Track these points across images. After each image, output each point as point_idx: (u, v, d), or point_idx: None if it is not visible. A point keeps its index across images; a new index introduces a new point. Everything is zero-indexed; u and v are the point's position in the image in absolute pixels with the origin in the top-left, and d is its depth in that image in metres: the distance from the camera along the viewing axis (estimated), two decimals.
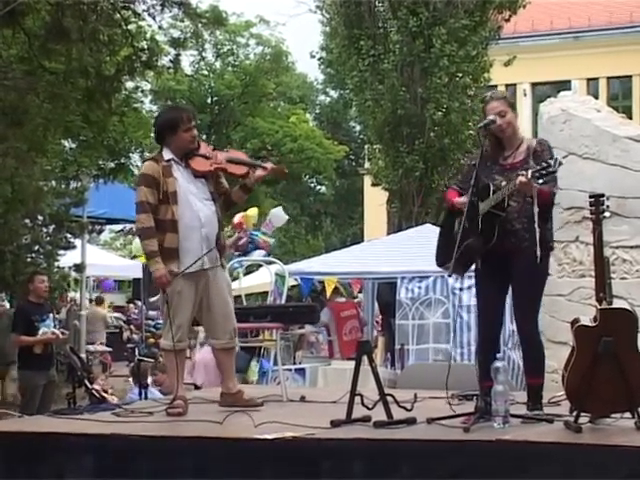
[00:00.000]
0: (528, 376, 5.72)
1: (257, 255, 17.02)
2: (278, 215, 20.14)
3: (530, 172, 5.52)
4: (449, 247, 5.81)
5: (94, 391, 11.73)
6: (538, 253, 5.61)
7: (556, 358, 7.87)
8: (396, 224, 20.51)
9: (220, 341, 6.53)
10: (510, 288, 5.83)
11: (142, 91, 18.71)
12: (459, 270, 5.87)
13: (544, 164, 5.52)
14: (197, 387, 10.55)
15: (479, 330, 6.08)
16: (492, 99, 5.96)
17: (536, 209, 5.63)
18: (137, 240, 22.80)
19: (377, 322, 15.86)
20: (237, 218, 18.54)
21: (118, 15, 13.00)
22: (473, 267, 5.88)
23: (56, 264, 15.69)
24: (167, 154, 6.45)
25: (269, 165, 6.65)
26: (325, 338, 14.73)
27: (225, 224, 8.29)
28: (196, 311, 6.47)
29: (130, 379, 13.00)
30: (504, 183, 5.72)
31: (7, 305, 17.05)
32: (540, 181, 5.49)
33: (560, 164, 5.51)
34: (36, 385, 11.01)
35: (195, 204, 6.38)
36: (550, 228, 5.88)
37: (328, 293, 16.07)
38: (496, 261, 5.75)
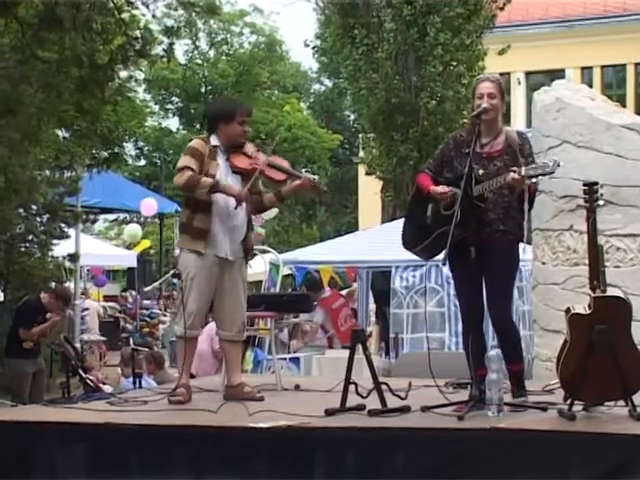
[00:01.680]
0: (508, 363, 5.74)
1: None
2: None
3: (524, 170, 5.52)
4: (418, 231, 5.87)
5: (88, 380, 11.73)
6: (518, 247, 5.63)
7: (550, 346, 7.90)
8: (390, 213, 20.49)
9: (227, 332, 6.52)
10: (483, 277, 5.84)
11: (136, 80, 18.62)
12: (426, 255, 5.90)
13: (540, 164, 5.52)
14: (192, 376, 10.54)
15: (463, 319, 6.10)
16: (486, 80, 5.95)
17: (527, 206, 5.64)
18: (128, 227, 22.87)
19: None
20: None
21: (111, 4, 12.96)
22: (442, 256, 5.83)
23: (50, 254, 15.68)
24: (214, 141, 6.44)
25: (307, 178, 6.58)
26: (323, 335, 14.75)
27: None
28: (209, 302, 6.45)
29: (119, 369, 12.99)
30: (481, 172, 5.71)
31: (1, 295, 17.02)
32: (534, 180, 5.51)
33: (558, 166, 5.51)
34: (25, 373, 11.07)
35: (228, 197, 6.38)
36: (523, 220, 5.89)
37: (325, 283, 16.07)
38: (470, 250, 5.75)
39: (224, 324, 6.52)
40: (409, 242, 6.10)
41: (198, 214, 6.34)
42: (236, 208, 6.33)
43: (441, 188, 5.81)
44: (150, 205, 22.66)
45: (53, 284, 13.46)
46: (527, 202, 5.65)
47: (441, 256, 5.69)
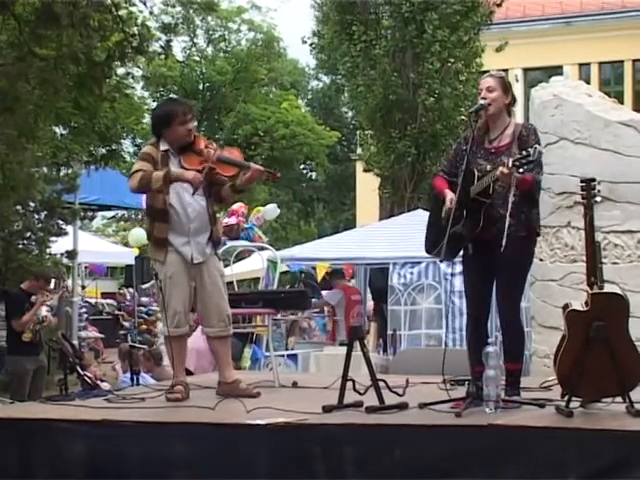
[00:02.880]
0: (507, 362, 5.73)
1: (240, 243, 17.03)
2: (271, 210, 20.31)
3: (511, 161, 5.51)
4: (436, 234, 5.83)
5: (86, 377, 11.73)
6: (504, 241, 5.58)
7: (547, 343, 7.91)
8: (388, 209, 20.51)
9: (214, 329, 6.52)
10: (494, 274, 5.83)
11: (133, 77, 18.58)
12: (447, 256, 5.87)
13: (524, 153, 5.51)
14: (189, 373, 10.55)
15: (468, 315, 6.09)
16: (488, 76, 5.96)
17: (511, 198, 5.61)
18: (133, 232, 22.85)
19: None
20: (237, 205, 18.57)
21: (109, 0, 12.94)
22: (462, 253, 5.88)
23: (48, 251, 15.67)
24: (163, 145, 6.46)
25: (256, 168, 6.54)
26: (327, 319, 14.81)
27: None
28: (192, 298, 6.46)
29: (117, 365, 13.00)
30: (489, 167, 5.71)
31: None
32: (520, 170, 5.48)
33: (540, 153, 5.50)
34: (26, 370, 11.07)
35: (185, 198, 6.38)
36: (537, 213, 5.88)
37: (319, 277, 16.10)
38: (481, 247, 5.75)
39: (209, 321, 6.52)
40: (430, 245, 6.07)
41: (156, 223, 6.39)
42: (193, 194, 6.35)
43: (449, 200, 5.79)
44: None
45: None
46: (513, 194, 5.61)
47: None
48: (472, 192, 5.68)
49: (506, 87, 5.94)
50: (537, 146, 5.55)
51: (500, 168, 5.53)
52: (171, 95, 37.41)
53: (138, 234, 22.75)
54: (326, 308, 18.97)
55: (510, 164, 5.49)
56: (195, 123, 6.62)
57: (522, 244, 5.75)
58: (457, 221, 5.64)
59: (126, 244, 28.09)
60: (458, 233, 5.64)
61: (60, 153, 16.65)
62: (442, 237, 5.73)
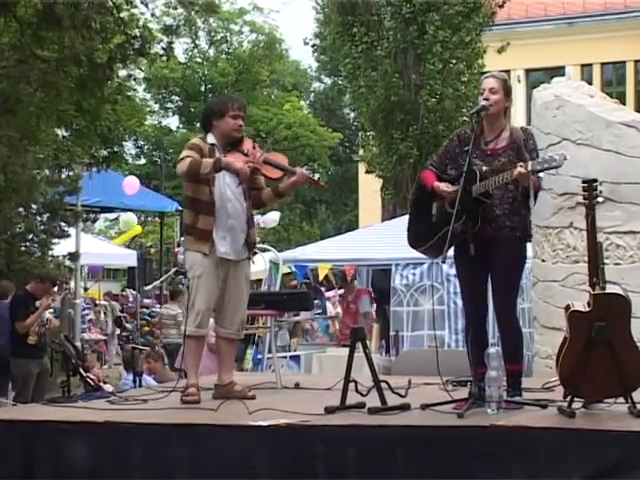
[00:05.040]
0: (507, 363, 5.73)
1: None
2: (270, 220, 20.40)
3: (530, 164, 5.51)
4: (424, 229, 5.85)
5: (88, 379, 11.74)
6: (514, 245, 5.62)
7: (550, 343, 7.90)
8: (391, 211, 20.52)
9: (227, 330, 6.51)
10: (489, 274, 5.84)
11: (135, 79, 18.63)
12: (435, 253, 5.86)
13: (547, 158, 5.51)
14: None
15: (466, 317, 6.08)
16: (490, 76, 5.94)
17: (532, 202, 5.63)
18: (123, 216, 22.81)
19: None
20: None
21: (110, 2, 12.98)
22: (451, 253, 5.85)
23: (50, 253, 15.69)
24: (211, 139, 6.45)
25: (302, 173, 6.54)
26: (330, 321, 14.81)
27: None
28: (217, 298, 6.44)
29: (120, 367, 13.03)
30: (484, 168, 5.70)
31: None
32: (540, 175, 5.51)
33: (565, 159, 5.50)
34: (30, 373, 11.07)
35: (227, 194, 6.37)
36: (528, 216, 5.89)
37: (320, 277, 16.11)
38: (478, 247, 5.74)
39: (224, 322, 6.51)
40: (416, 241, 6.08)
41: (201, 215, 6.35)
42: (240, 184, 6.34)
43: (445, 185, 5.81)
44: (132, 184, 22.51)
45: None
46: (533, 197, 5.63)
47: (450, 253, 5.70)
48: (475, 192, 5.68)
49: (507, 90, 5.92)
50: (563, 152, 5.57)
51: (518, 169, 5.52)
52: (174, 97, 37.53)
53: (129, 217, 22.71)
54: (329, 311, 18.99)
55: (530, 166, 5.49)
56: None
57: (518, 244, 5.78)
58: (456, 219, 5.61)
59: (128, 246, 28.12)
60: (456, 231, 5.62)
61: (62, 155, 16.68)
62: (431, 233, 5.75)
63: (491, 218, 5.74)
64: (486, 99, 5.80)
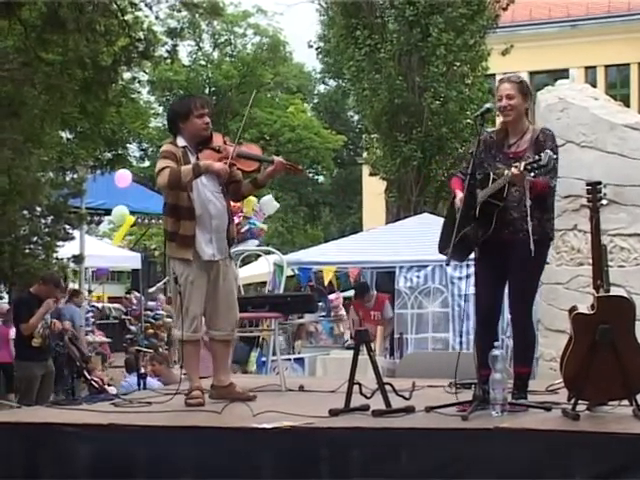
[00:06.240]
0: (517, 365, 5.72)
1: (251, 244, 17.02)
2: (268, 203, 20.18)
3: (522, 164, 5.51)
4: (448, 234, 5.84)
5: (93, 381, 11.76)
6: (532, 246, 5.61)
7: (554, 346, 7.90)
8: (394, 213, 20.51)
9: (221, 332, 6.50)
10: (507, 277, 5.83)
11: (139, 82, 18.65)
12: (457, 257, 5.86)
13: (536, 157, 5.51)
14: None
15: (477, 318, 6.08)
16: (506, 81, 5.92)
17: (528, 202, 5.62)
18: (115, 209, 22.79)
19: None
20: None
21: (115, 5, 12.99)
22: (473, 256, 5.88)
23: (55, 255, 15.70)
24: (181, 141, 6.42)
25: (280, 161, 6.52)
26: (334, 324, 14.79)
27: None
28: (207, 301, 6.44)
29: (123, 369, 13.05)
30: (506, 172, 5.70)
31: (6, 298, 17.04)
32: (532, 174, 5.49)
33: (552, 158, 5.49)
34: (34, 376, 11.08)
35: (207, 195, 6.35)
36: (549, 219, 5.87)
37: (326, 282, 16.09)
38: (494, 250, 5.75)
39: (217, 324, 6.49)
40: (443, 246, 6.08)
41: (182, 221, 6.32)
42: (222, 184, 6.34)
43: (459, 196, 5.80)
44: (124, 176, 22.48)
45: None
46: (529, 198, 5.62)
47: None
48: (483, 195, 5.67)
49: (525, 91, 5.89)
50: (548, 151, 5.55)
51: (512, 169, 5.54)
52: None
53: (121, 211, 22.66)
54: (332, 312, 18.98)
55: (522, 167, 5.49)
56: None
57: (535, 248, 5.70)
58: (468, 223, 5.63)
59: (132, 248, 28.14)
60: (468, 235, 5.64)
61: (66, 158, 16.70)
62: (451, 237, 5.75)
63: (508, 221, 5.73)
64: (504, 107, 5.78)
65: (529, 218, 5.60)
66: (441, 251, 6.08)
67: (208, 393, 6.45)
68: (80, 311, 16.74)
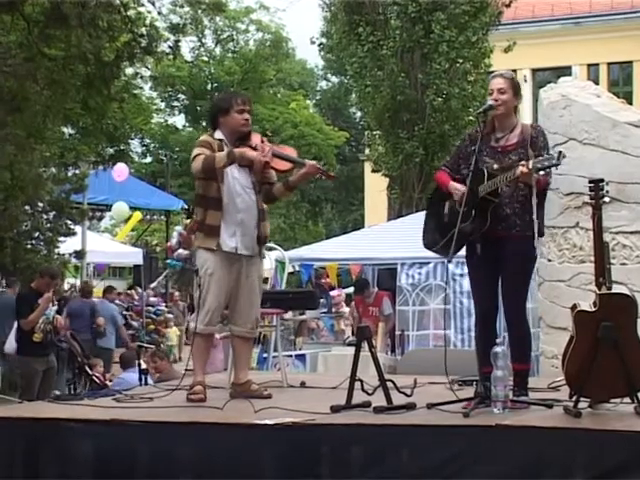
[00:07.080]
0: (515, 362, 5.73)
1: None
2: None
3: (531, 163, 5.51)
4: (437, 229, 5.86)
5: (94, 377, 11.77)
6: (536, 244, 5.63)
7: (556, 344, 7.89)
8: (396, 210, 20.48)
9: (241, 329, 6.48)
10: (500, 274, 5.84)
11: (141, 77, 18.65)
12: (446, 252, 5.86)
13: (547, 156, 5.51)
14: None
15: (476, 316, 6.09)
16: (498, 76, 5.96)
17: (535, 200, 5.62)
18: (114, 206, 22.82)
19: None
20: None
21: (117, 1, 12.99)
22: (464, 252, 5.87)
23: (56, 251, 15.72)
24: (219, 134, 6.45)
25: (312, 164, 6.53)
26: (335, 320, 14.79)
27: None
28: (228, 296, 6.41)
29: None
30: (495, 166, 5.72)
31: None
32: (542, 173, 5.50)
33: (564, 157, 5.50)
34: (35, 371, 11.08)
35: (236, 189, 6.35)
36: (542, 215, 5.89)
37: (331, 279, 16.09)
38: (488, 246, 5.75)
39: (238, 320, 6.48)
40: (429, 241, 6.09)
41: (210, 211, 6.33)
42: (253, 181, 6.35)
43: (459, 185, 5.82)
44: (121, 170, 22.49)
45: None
46: (535, 196, 5.63)
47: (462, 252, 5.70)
48: (483, 191, 5.68)
49: (516, 88, 5.95)
50: (562, 150, 5.57)
51: (520, 168, 5.53)
52: (180, 95, 37.58)
53: (120, 207, 22.69)
54: (334, 309, 18.98)
55: (531, 165, 5.50)
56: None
57: (528, 243, 5.74)
58: (465, 219, 5.64)
59: (134, 244, 28.15)
60: (465, 231, 5.64)
61: (68, 153, 16.72)
62: (444, 233, 5.76)
63: (501, 217, 5.75)
64: (495, 100, 5.82)
65: (534, 216, 5.61)
66: (427, 246, 6.10)
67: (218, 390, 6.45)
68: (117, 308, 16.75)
